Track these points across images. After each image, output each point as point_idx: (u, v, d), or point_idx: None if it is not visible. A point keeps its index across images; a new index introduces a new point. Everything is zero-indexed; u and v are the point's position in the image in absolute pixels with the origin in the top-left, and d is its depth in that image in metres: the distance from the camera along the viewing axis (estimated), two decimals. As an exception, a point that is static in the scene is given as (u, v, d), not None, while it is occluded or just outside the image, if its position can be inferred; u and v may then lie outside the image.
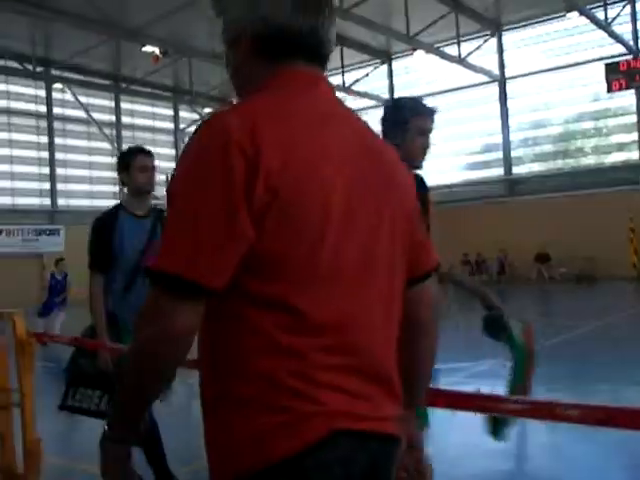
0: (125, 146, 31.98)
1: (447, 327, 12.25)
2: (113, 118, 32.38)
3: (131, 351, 1.49)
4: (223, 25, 1.75)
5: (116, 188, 32.16)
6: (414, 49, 25.70)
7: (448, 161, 29.32)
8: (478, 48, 27.71)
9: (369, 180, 1.55)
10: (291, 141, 1.43)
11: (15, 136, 28.78)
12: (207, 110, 34.84)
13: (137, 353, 1.47)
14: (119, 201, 4.74)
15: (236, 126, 1.40)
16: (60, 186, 30.15)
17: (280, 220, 1.39)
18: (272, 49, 1.58)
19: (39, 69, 26.88)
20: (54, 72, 27.89)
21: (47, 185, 29.77)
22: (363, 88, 30.50)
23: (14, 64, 25.68)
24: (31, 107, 29.45)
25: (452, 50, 25.83)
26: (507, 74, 28.35)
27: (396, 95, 31.09)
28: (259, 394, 1.43)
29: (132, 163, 4.58)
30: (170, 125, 34.90)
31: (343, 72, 28.28)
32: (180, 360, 1.44)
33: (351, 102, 31.06)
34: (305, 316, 1.43)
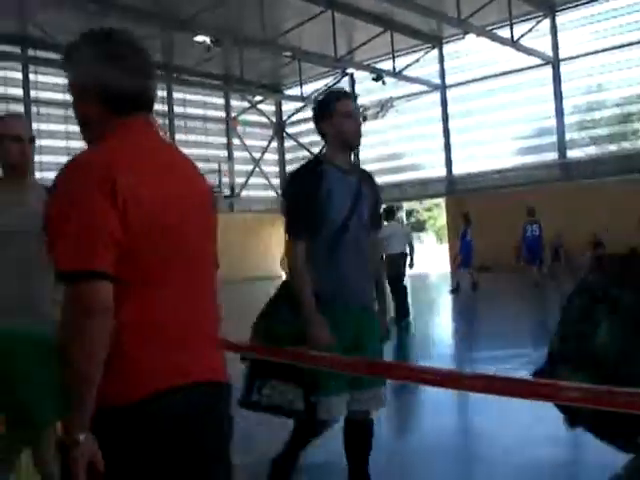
0: (178, 136, 32.41)
1: (508, 312, 12.17)
2: (165, 108, 32.74)
3: (73, 338, 1.85)
4: (71, 81, 2.18)
5: (169, 177, 32.59)
6: (465, 33, 25.38)
7: (500, 146, 28.96)
8: (531, 30, 27.20)
9: (189, 196, 2.14)
10: (136, 171, 1.98)
11: (72, 128, 29.27)
12: (258, 98, 35.00)
13: (82, 336, 1.83)
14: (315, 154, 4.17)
15: (100, 163, 1.96)
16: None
17: (134, 227, 1.92)
18: (114, 105, 2.12)
19: (93, 61, 27.26)
20: (108, 64, 28.29)
21: (102, 175, 30.30)
22: (414, 73, 30.26)
23: (70, 57, 26.11)
24: (86, 99, 29.97)
25: (504, 33, 25.40)
26: (561, 55, 27.74)
27: (448, 80, 30.77)
28: (114, 357, 1.88)
29: (335, 109, 3.89)
30: (221, 114, 35.14)
31: (394, 57, 28.08)
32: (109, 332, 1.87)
33: (402, 88, 30.90)
34: (150, 297, 1.97)
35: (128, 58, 2.18)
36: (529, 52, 26.50)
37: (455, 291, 19.81)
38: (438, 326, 14.59)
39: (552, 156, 28.12)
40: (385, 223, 14.61)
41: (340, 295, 3.74)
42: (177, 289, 2.03)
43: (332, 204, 3.69)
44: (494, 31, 25.75)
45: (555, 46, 27.72)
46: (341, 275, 3.76)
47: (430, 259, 41.83)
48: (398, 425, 6.62)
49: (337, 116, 3.84)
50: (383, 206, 10.33)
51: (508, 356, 8.93)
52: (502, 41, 25.38)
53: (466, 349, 10.80)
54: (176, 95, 32.94)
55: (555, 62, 27.60)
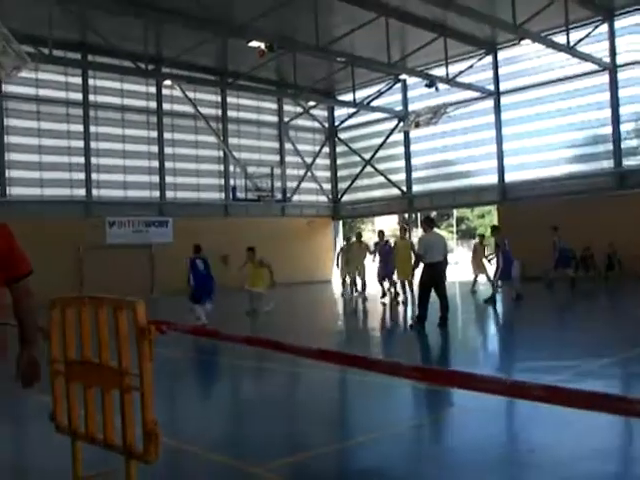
0: (231, 140, 32.81)
1: (554, 324, 11.99)
2: (219, 112, 33.19)
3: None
4: None
5: (221, 181, 33.01)
6: (520, 39, 25.15)
7: (554, 153, 28.58)
8: (588, 35, 26.80)
9: None
10: None
11: (128, 132, 29.97)
12: (310, 103, 35.20)
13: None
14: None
15: None
16: (169, 179, 31.16)
17: None
18: None
19: (150, 67, 27.89)
20: (164, 70, 28.85)
21: (156, 178, 30.83)
22: (467, 80, 30.09)
23: (128, 63, 26.71)
24: (142, 103, 30.58)
25: (560, 38, 25.11)
26: (619, 61, 27.23)
27: (502, 87, 30.50)
28: None
29: None
30: (274, 118, 35.45)
31: (447, 64, 27.94)
32: None
33: (455, 94, 30.74)
34: None
35: None
36: (585, 58, 26.12)
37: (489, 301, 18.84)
38: (485, 335, 14.49)
39: (607, 164, 27.64)
40: (424, 232, 14.68)
41: None
42: None
43: None
44: (550, 37, 25.47)
45: (612, 52, 27.21)
46: None
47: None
48: (448, 433, 6.63)
49: None
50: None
51: (556, 367, 8.85)
52: (558, 47, 25.08)
53: (517, 359, 10.70)
54: (230, 100, 33.34)
55: (612, 68, 27.11)
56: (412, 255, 18.77)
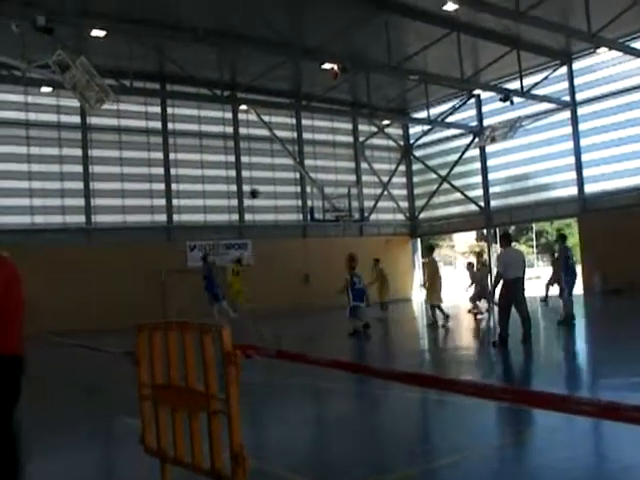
0: (307, 162, 33.11)
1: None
2: (295, 134, 33.57)
3: None
4: None
5: (299, 202, 33.31)
6: (596, 47, 24.61)
7: (636, 162, 27.71)
8: (668, 40, 26.02)
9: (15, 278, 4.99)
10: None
11: (206, 157, 30.63)
12: (385, 122, 35.24)
13: None
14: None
15: None
16: (247, 202, 31.64)
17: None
18: None
19: (226, 93, 28.48)
20: (239, 95, 29.41)
21: (235, 202, 31.35)
22: (542, 91, 29.59)
23: (204, 91, 27.39)
24: (219, 129, 31.22)
25: (639, 44, 24.45)
26: (703, 65, 26.28)
27: (579, 97, 29.85)
28: None
29: None
30: (349, 139, 35.62)
31: (521, 76, 27.57)
32: None
33: (531, 107, 30.27)
34: None
35: None
36: (667, 63, 25.35)
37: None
38: (569, 351, 14.13)
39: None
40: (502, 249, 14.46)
41: None
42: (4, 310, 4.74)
43: None
44: (627, 43, 24.82)
45: (696, 55, 26.29)
46: None
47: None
48: (535, 453, 6.51)
49: None
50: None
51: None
52: (637, 53, 24.43)
53: (603, 376, 10.40)
54: (305, 122, 33.70)
55: (696, 72, 26.18)
56: (439, 275, 18.90)
